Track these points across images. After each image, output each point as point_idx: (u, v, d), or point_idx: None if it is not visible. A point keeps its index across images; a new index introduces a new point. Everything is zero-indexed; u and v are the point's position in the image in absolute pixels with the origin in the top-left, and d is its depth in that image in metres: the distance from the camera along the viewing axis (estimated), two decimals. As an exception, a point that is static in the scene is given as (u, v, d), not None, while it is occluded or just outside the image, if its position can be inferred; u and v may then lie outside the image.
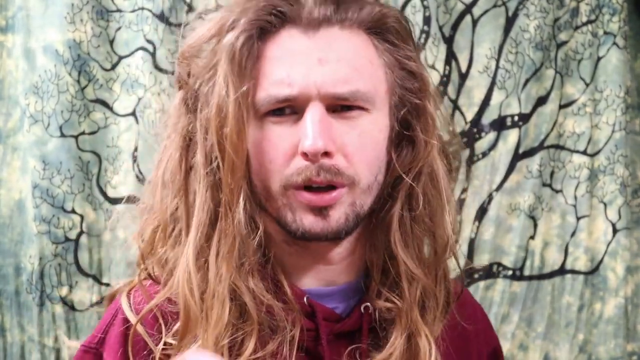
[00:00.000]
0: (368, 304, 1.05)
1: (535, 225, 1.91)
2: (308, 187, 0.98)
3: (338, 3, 1.00)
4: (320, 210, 0.98)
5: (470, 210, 1.89)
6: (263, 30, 0.99)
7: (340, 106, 0.99)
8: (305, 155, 0.96)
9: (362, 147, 0.99)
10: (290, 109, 0.98)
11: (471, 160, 1.90)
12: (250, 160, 0.99)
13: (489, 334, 1.22)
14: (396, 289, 1.04)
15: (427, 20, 1.86)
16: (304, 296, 1.03)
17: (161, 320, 1.01)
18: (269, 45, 0.99)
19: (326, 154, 0.96)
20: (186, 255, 0.99)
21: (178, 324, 1.00)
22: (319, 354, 1.03)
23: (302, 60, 0.98)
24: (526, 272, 1.91)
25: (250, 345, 0.97)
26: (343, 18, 1.00)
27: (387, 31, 1.03)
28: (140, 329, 1.00)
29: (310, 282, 1.05)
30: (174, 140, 1.04)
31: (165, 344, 0.99)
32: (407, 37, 1.05)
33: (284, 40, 0.99)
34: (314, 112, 0.96)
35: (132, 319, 1.01)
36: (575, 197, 1.92)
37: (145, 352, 1.00)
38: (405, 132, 1.03)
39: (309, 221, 0.98)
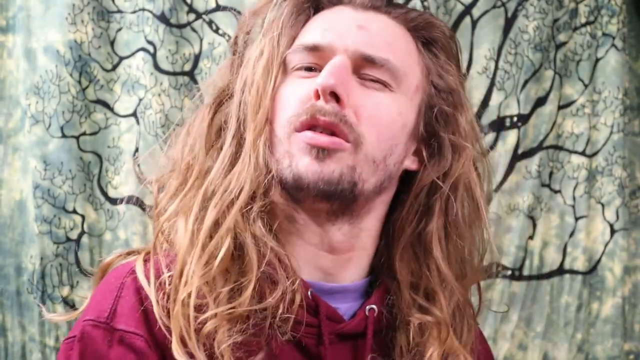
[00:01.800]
0: (373, 306, 1.02)
1: (534, 226, 1.92)
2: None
3: (391, 1, 1.04)
4: (318, 153, 0.95)
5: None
6: (319, 2, 1.03)
7: (365, 74, 0.98)
8: (316, 93, 0.96)
9: (376, 115, 0.97)
10: (318, 66, 0.99)
11: (470, 161, 1.90)
12: (273, 112, 0.99)
13: (483, 345, 1.18)
14: (432, 302, 1.02)
15: (427, 21, 1.86)
16: (308, 289, 0.98)
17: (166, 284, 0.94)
18: (319, 14, 1.03)
19: (337, 99, 0.95)
20: (197, 195, 0.97)
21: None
22: (319, 354, 0.98)
23: (342, 24, 1.00)
24: (525, 272, 1.92)
25: (246, 295, 0.92)
26: (391, 11, 1.03)
27: (432, 40, 1.04)
28: (152, 294, 0.93)
29: (312, 272, 1.01)
30: (210, 95, 1.06)
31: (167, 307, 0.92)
32: (450, 54, 1.06)
33: (333, 10, 1.02)
34: (336, 59, 0.97)
35: (146, 285, 0.94)
36: (574, 198, 1.93)
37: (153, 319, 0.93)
38: (435, 137, 1.03)
39: (304, 163, 0.95)
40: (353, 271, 1.03)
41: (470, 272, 1.07)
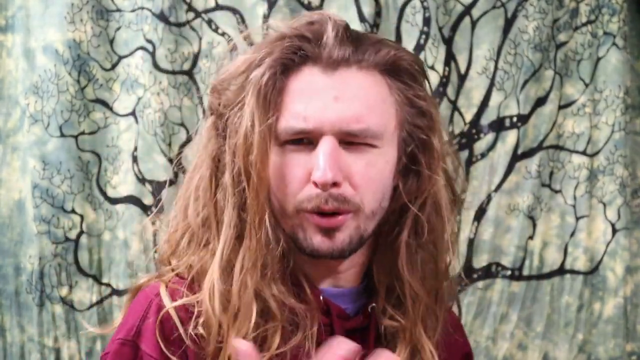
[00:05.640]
0: (374, 305, 1.17)
1: (534, 226, 1.91)
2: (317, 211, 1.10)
3: (356, 46, 1.11)
4: (328, 232, 1.09)
5: (469, 211, 1.90)
6: (287, 66, 1.10)
7: (351, 142, 1.09)
8: (315, 184, 1.07)
9: (367, 177, 1.09)
10: (307, 139, 1.08)
11: (470, 161, 1.90)
12: (271, 182, 1.10)
13: (462, 340, 1.32)
14: (400, 308, 1.16)
15: (426, 21, 1.87)
16: (320, 294, 1.15)
17: (195, 312, 1.09)
18: (291, 80, 1.10)
19: (335, 184, 1.07)
20: (212, 268, 1.10)
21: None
22: None
23: (319, 97, 1.08)
24: (525, 272, 1.91)
25: (275, 341, 1.08)
26: (360, 59, 1.11)
27: (400, 72, 1.13)
28: (175, 317, 1.08)
29: (322, 283, 1.17)
30: (204, 160, 1.16)
31: (196, 335, 1.08)
32: (419, 77, 1.15)
33: (305, 77, 1.10)
34: (326, 146, 1.07)
35: (171, 308, 1.10)
36: (575, 197, 1.92)
37: (178, 341, 1.08)
38: (412, 166, 1.14)
39: (317, 241, 1.09)
40: (355, 278, 1.19)
41: (436, 279, 1.20)
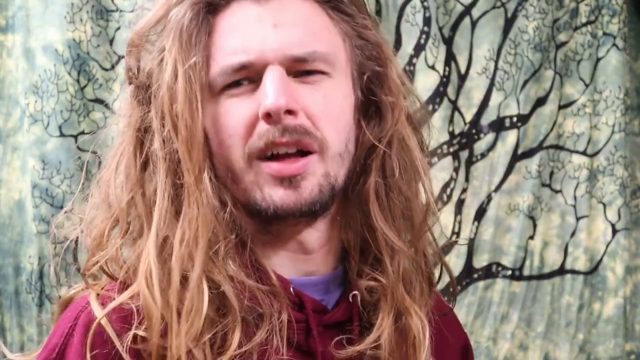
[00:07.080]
0: (356, 292, 0.98)
1: (535, 226, 1.92)
2: (274, 156, 0.91)
3: None
4: (290, 181, 0.91)
5: (469, 211, 1.90)
6: (212, 5, 0.93)
7: (300, 72, 0.93)
8: (267, 116, 0.89)
9: (328, 110, 0.93)
10: (247, 80, 0.92)
11: (470, 161, 1.90)
12: (210, 142, 0.92)
13: (460, 331, 1.15)
14: (378, 266, 0.98)
15: (427, 21, 1.86)
16: (289, 285, 0.95)
17: (134, 316, 0.89)
18: (219, 19, 0.93)
19: (289, 112, 0.90)
20: (147, 250, 0.90)
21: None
22: (309, 347, 0.96)
23: (256, 27, 0.92)
24: (526, 272, 1.91)
25: (235, 340, 0.88)
26: None
27: (339, 1, 0.98)
28: (109, 329, 0.88)
29: (290, 273, 0.97)
30: (126, 134, 0.97)
31: (136, 338, 0.88)
32: (361, 7, 1.00)
33: (235, 12, 0.94)
34: (273, 73, 0.91)
35: (103, 318, 0.89)
36: (575, 198, 1.93)
37: (114, 357, 0.89)
38: (372, 98, 0.98)
39: (279, 195, 0.91)
40: (330, 261, 1.00)
41: (413, 228, 1.01)
